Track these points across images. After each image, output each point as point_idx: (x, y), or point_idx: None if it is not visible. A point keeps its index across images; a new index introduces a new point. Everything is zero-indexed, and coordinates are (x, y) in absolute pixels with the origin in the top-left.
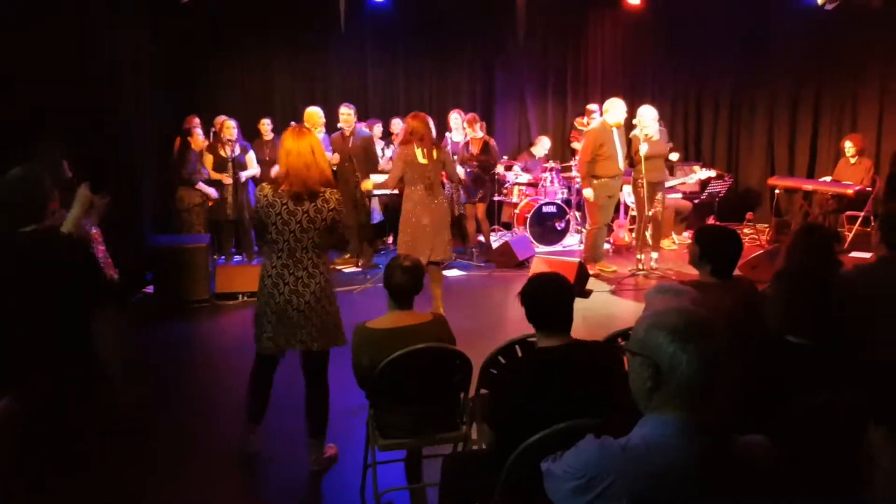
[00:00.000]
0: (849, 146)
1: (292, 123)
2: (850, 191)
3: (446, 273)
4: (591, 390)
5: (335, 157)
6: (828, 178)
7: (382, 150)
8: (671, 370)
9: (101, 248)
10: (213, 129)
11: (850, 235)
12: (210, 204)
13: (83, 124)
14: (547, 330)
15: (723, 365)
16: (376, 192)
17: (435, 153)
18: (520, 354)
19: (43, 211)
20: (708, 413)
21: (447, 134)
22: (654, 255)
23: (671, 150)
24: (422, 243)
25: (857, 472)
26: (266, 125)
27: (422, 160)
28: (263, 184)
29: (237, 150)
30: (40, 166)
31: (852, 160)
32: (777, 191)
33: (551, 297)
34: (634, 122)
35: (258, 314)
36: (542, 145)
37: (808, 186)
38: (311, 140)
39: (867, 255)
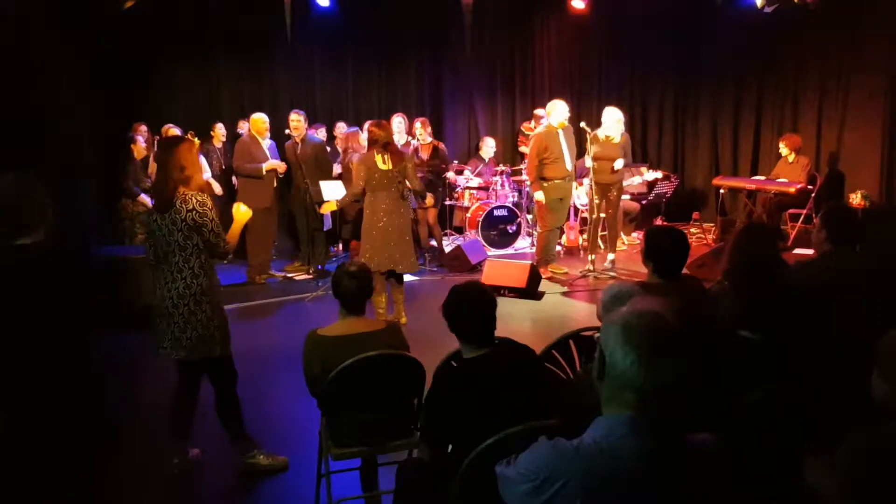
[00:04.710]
0: (783, 147)
1: (230, 128)
2: (792, 189)
3: None
4: (516, 396)
5: (280, 165)
6: (764, 178)
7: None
8: (610, 363)
9: None
10: (157, 138)
11: (794, 232)
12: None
13: (20, 135)
14: (469, 343)
15: (661, 372)
16: (328, 198)
17: (398, 160)
18: None
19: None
20: (657, 413)
21: None
22: (611, 256)
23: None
24: (385, 253)
25: (801, 467)
26: (220, 129)
27: (382, 166)
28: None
29: None
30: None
31: (790, 159)
32: (722, 190)
33: (467, 313)
34: (582, 124)
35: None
36: (488, 146)
37: (752, 186)
38: (174, 153)
39: (810, 251)
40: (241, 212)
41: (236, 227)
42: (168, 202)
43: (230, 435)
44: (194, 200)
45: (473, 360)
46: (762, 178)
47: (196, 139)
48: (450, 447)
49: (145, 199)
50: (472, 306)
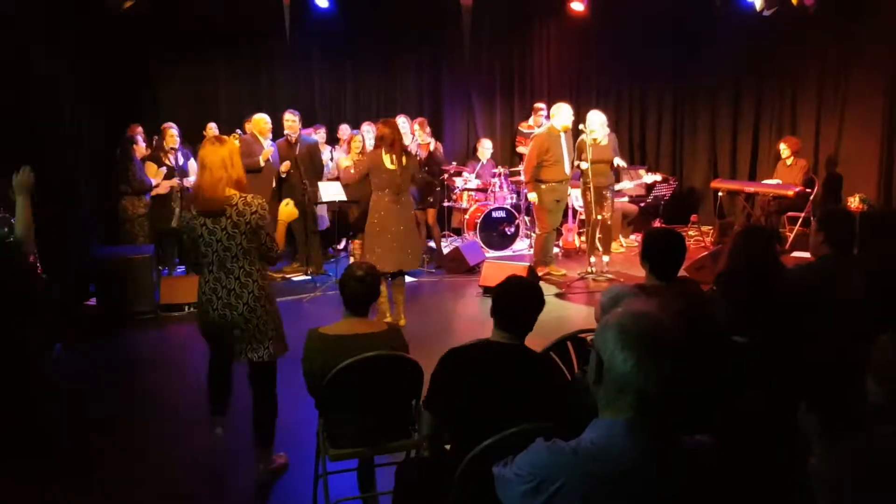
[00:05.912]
0: (783, 148)
1: (237, 131)
2: (790, 192)
3: None
4: (531, 391)
5: (285, 165)
6: (767, 180)
7: (331, 153)
8: (609, 367)
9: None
10: (155, 138)
11: (792, 236)
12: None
13: (18, 136)
14: (506, 331)
15: (661, 373)
16: (326, 199)
17: (404, 160)
18: None
19: None
20: (654, 415)
21: None
22: (605, 258)
23: (613, 157)
24: (390, 253)
25: (796, 466)
26: (212, 129)
27: (389, 166)
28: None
29: (181, 159)
30: None
31: (788, 162)
32: (720, 193)
33: (523, 302)
34: (581, 127)
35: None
36: (484, 147)
37: (750, 188)
38: (222, 153)
39: (808, 254)
40: (287, 209)
41: (281, 228)
42: (219, 206)
43: (260, 439)
44: (256, 203)
45: (501, 342)
46: (769, 181)
47: (237, 139)
48: (450, 439)
49: (147, 199)
50: (519, 298)
